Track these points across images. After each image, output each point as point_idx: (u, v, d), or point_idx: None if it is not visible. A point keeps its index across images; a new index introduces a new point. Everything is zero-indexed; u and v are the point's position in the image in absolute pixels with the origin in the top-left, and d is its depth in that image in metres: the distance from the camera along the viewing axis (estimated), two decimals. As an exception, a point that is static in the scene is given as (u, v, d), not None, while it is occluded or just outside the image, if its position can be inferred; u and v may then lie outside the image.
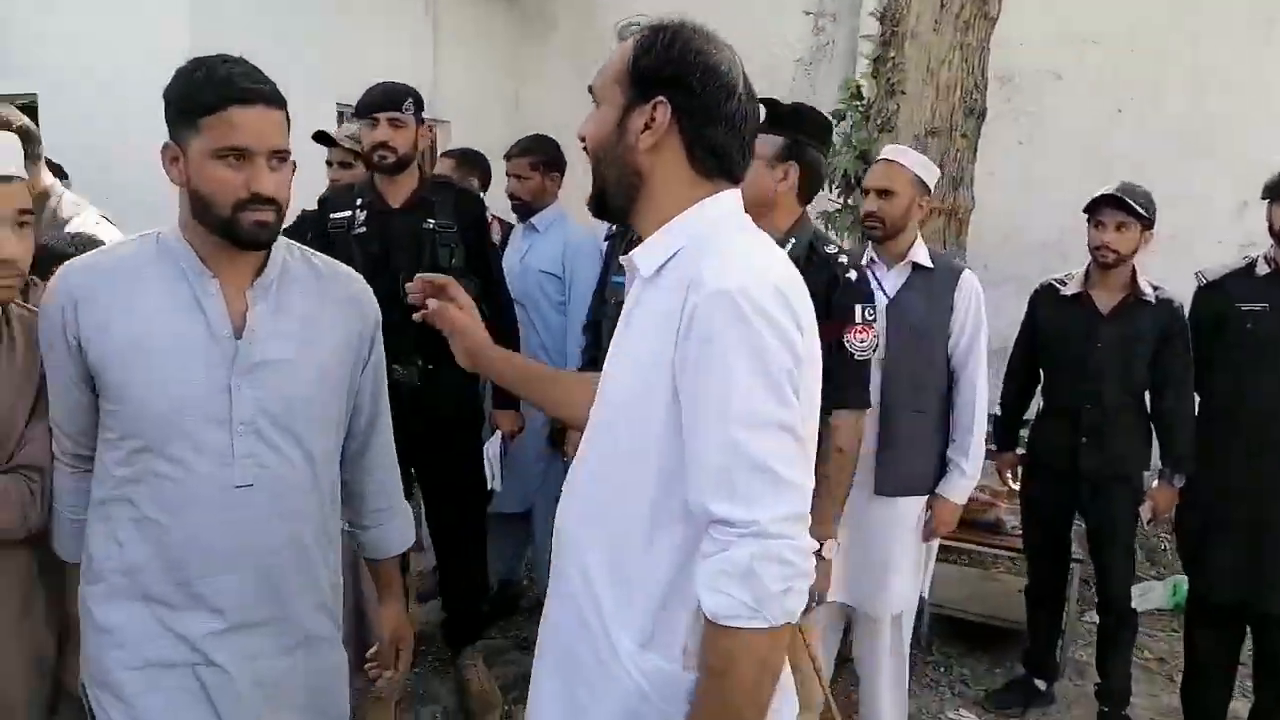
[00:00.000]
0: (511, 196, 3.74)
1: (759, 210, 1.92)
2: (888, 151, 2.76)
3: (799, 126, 2.28)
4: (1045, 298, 3.18)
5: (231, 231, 1.43)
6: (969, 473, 2.72)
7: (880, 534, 2.68)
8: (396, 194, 2.95)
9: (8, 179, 1.54)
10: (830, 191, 4.10)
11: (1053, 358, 3.17)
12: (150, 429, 1.45)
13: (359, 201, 2.97)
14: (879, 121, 3.91)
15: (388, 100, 2.89)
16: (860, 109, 4.24)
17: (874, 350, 2.29)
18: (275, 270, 1.53)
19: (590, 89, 1.35)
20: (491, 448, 3.35)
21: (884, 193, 2.66)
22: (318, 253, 1.67)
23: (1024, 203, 5.11)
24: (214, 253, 1.48)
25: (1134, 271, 3.01)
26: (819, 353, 1.25)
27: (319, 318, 1.57)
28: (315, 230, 2.98)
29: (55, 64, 4.60)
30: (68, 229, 2.43)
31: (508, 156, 3.75)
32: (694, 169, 1.28)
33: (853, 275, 2.27)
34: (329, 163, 3.58)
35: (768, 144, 2.20)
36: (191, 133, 1.41)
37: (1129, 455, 3.07)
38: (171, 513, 1.46)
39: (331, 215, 3.01)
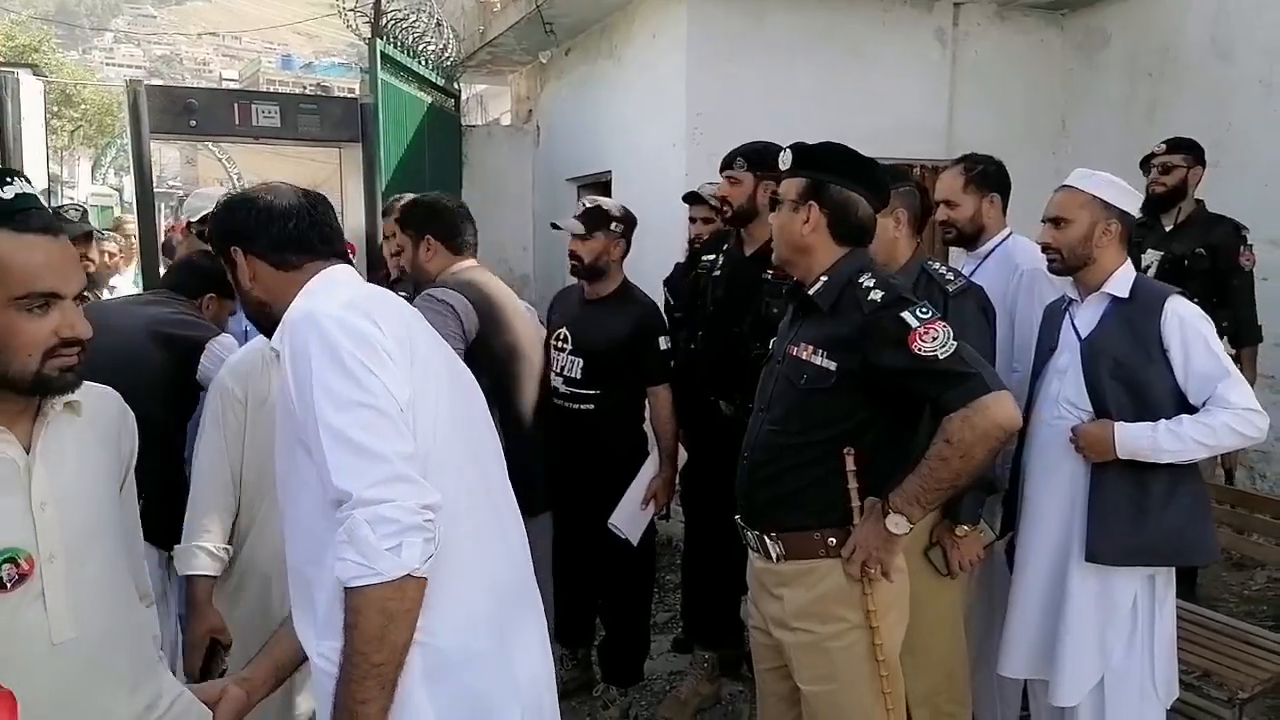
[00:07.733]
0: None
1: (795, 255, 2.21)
2: (1070, 177, 2.59)
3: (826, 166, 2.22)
4: None
5: None
6: (1160, 441, 2.35)
7: (1080, 608, 2.48)
8: (751, 243, 3.10)
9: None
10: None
11: None
12: None
13: (725, 247, 3.25)
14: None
15: (726, 160, 3.12)
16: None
17: (947, 341, 2.02)
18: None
19: None
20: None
21: (1057, 221, 2.53)
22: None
23: None
24: None
25: None
26: None
27: None
28: (685, 273, 3.34)
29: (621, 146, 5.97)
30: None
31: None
32: None
33: (876, 296, 2.10)
34: (691, 219, 4.07)
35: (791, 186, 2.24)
36: None
37: None
38: None
39: (703, 257, 3.35)
